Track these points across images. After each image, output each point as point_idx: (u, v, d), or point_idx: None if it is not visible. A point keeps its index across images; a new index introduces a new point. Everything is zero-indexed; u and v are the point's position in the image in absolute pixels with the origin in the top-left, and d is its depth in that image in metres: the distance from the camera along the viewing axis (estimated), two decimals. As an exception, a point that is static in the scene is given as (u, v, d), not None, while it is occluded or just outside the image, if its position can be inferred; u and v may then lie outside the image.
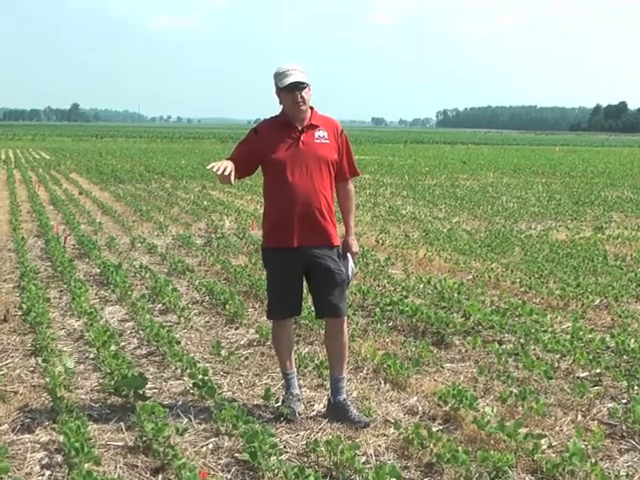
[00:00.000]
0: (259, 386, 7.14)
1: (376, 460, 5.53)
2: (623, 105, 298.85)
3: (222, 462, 5.54)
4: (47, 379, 6.92)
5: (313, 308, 6.69)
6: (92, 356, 7.95)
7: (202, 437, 5.97)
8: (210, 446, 5.81)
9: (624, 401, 6.78)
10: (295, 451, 5.73)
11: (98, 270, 12.30)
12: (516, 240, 15.81)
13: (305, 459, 5.58)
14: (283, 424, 6.19)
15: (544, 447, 5.62)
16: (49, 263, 13.03)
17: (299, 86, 6.10)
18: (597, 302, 10.30)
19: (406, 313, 9.25)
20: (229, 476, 5.32)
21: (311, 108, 6.28)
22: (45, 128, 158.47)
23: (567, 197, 25.87)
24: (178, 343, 8.12)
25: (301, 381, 7.02)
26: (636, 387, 6.96)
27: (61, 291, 10.91)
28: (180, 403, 6.70)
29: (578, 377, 7.40)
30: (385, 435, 6.01)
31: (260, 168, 6.39)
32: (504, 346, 8.19)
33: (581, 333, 8.46)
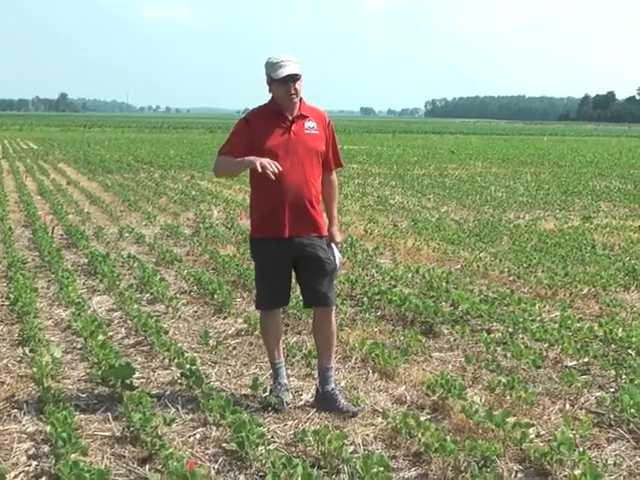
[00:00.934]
0: (247, 376, 7.12)
1: (364, 450, 5.53)
2: (611, 95, 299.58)
3: (210, 452, 5.53)
4: (34, 369, 6.90)
5: (301, 297, 6.68)
6: (79, 346, 7.92)
7: (190, 427, 5.96)
8: (197, 436, 5.79)
9: (612, 390, 6.79)
10: (283, 441, 5.72)
11: (86, 260, 12.27)
12: (504, 229, 15.82)
13: (293, 449, 5.57)
14: (271, 414, 6.18)
15: (532, 436, 5.63)
16: (37, 253, 13.00)
17: (293, 78, 6.08)
18: (585, 291, 10.31)
19: (394, 302, 9.25)
20: (216, 466, 5.30)
21: (300, 98, 6.26)
22: (33, 118, 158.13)
23: (555, 187, 25.90)
24: (166, 333, 8.10)
25: (289, 371, 7.01)
26: (624, 376, 6.96)
27: (49, 281, 10.88)
28: (168, 393, 6.68)
29: (566, 366, 7.41)
30: (373, 424, 6.01)
31: None
32: (492, 335, 8.19)
33: (569, 322, 8.47)
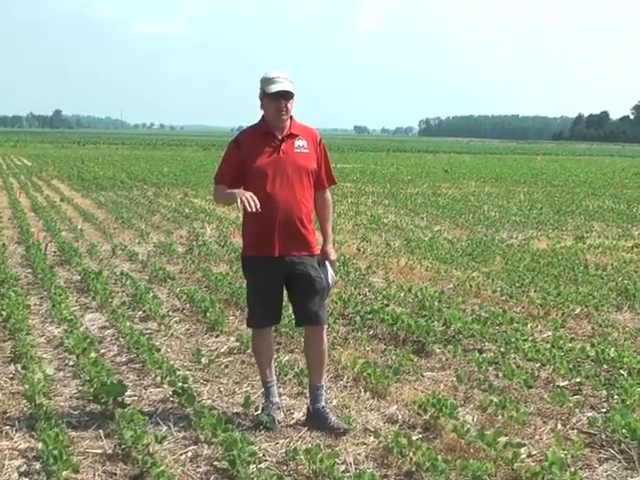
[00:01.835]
0: (239, 394, 7.12)
1: (355, 469, 5.52)
2: (605, 114, 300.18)
3: (201, 470, 5.53)
4: (26, 386, 6.89)
5: (293, 316, 6.69)
6: (72, 363, 7.92)
7: (181, 445, 5.95)
8: (189, 454, 5.79)
9: (604, 410, 6.79)
10: (274, 459, 5.72)
11: (79, 277, 12.26)
12: (497, 249, 15.84)
13: (284, 467, 5.57)
14: (262, 432, 6.18)
15: (523, 456, 5.62)
16: (29, 270, 12.98)
17: (285, 95, 6.11)
18: (577, 311, 10.33)
19: (387, 322, 9.25)
20: (208, 484, 5.30)
21: (290, 117, 6.29)
22: (27, 134, 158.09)
23: (548, 206, 25.94)
24: (158, 351, 8.10)
25: (281, 389, 7.01)
26: (616, 396, 6.97)
27: (41, 298, 10.87)
28: (160, 411, 6.68)
29: (558, 386, 7.42)
30: (365, 443, 6.01)
31: None
32: (484, 355, 8.20)
33: (561, 342, 8.48)
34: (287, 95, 6.13)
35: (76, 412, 6.62)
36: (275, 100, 6.11)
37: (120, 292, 11.41)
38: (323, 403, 6.41)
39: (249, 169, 6.18)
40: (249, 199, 5.90)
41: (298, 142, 6.28)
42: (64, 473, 5.18)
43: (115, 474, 5.44)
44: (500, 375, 7.56)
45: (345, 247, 15.35)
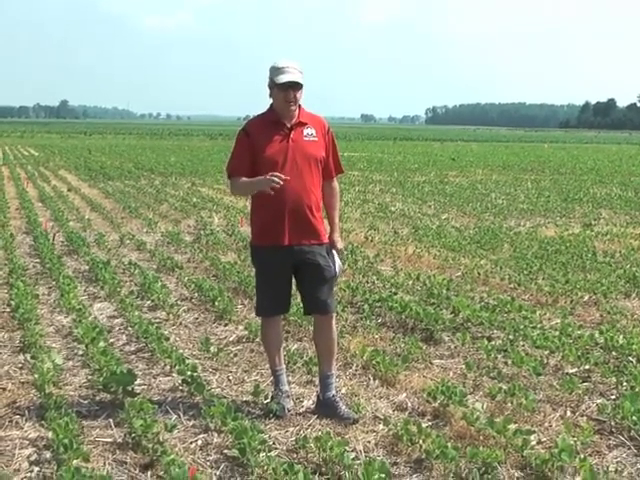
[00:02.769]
0: (248, 382, 7.13)
1: (365, 456, 5.53)
2: (612, 102, 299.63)
3: (211, 458, 5.54)
4: (36, 375, 6.91)
5: (302, 305, 6.69)
6: (81, 352, 7.93)
7: (191, 433, 5.96)
8: (199, 442, 5.80)
9: (613, 397, 6.79)
10: (284, 447, 5.73)
11: (87, 267, 12.27)
12: (505, 237, 15.82)
13: (294, 455, 5.58)
14: (272, 420, 6.18)
15: (533, 443, 5.63)
16: (38, 260, 13.00)
17: (294, 86, 6.10)
18: (586, 298, 10.32)
19: (395, 309, 9.25)
20: (218, 472, 5.31)
21: (299, 106, 6.28)
22: (34, 125, 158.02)
23: (556, 194, 25.89)
24: (167, 339, 8.11)
25: (290, 377, 7.02)
26: (625, 383, 6.97)
27: (50, 287, 10.88)
28: (169, 399, 6.69)
29: (567, 373, 7.41)
30: (374, 431, 6.02)
31: None
32: (493, 342, 8.19)
33: (570, 329, 8.47)
34: (296, 86, 6.11)
35: (86, 401, 6.63)
36: (284, 90, 6.09)
37: (128, 281, 11.42)
38: (333, 392, 6.41)
39: (258, 158, 6.17)
40: (273, 178, 5.91)
41: (307, 130, 6.27)
42: (74, 462, 5.20)
43: (125, 463, 5.45)
44: (509, 362, 7.56)
45: (353, 235, 15.35)
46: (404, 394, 6.84)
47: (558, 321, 9.07)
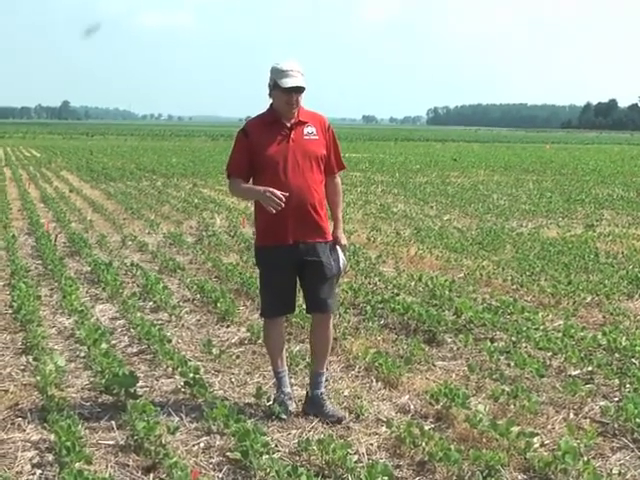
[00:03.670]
0: (250, 384, 7.13)
1: (368, 459, 5.53)
2: (613, 103, 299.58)
3: (213, 461, 5.53)
4: (38, 377, 6.90)
5: (304, 304, 6.66)
6: (83, 354, 7.93)
7: (193, 436, 5.96)
8: (202, 445, 5.80)
9: (616, 399, 6.78)
10: (287, 450, 5.72)
11: (89, 268, 12.27)
12: (507, 238, 15.81)
13: (297, 458, 5.57)
14: (275, 423, 6.18)
15: (536, 445, 5.62)
16: (40, 261, 13.00)
17: (297, 90, 6.10)
18: (589, 300, 10.30)
19: (397, 311, 9.25)
20: (220, 475, 5.31)
21: None
22: (36, 126, 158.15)
23: (558, 195, 25.89)
24: (169, 341, 8.10)
25: (292, 379, 7.00)
26: (628, 385, 6.97)
27: (52, 289, 10.88)
28: (171, 402, 6.68)
29: (570, 375, 7.40)
30: (377, 434, 6.01)
31: None
32: (496, 344, 8.18)
33: (573, 331, 8.46)
34: (299, 90, 6.12)
35: (88, 403, 6.62)
36: (287, 94, 6.09)
37: (130, 283, 11.41)
38: (322, 390, 6.43)
39: (259, 158, 6.17)
40: (274, 199, 5.92)
41: (307, 129, 6.27)
42: (77, 464, 5.19)
43: (128, 465, 5.44)
44: (512, 364, 7.55)
45: (355, 236, 15.35)
46: (407, 396, 6.83)
47: (561, 322, 9.06)
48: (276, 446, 5.74)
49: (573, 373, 7.48)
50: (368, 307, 9.49)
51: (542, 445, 5.76)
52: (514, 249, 14.39)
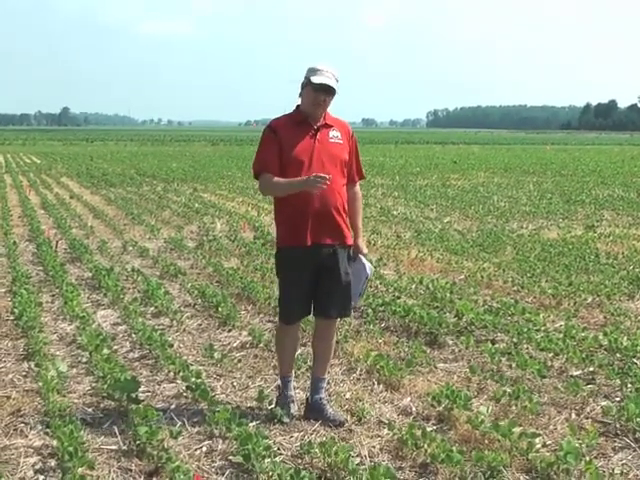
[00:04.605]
0: (252, 388, 7.12)
1: (370, 461, 5.53)
2: (613, 103, 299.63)
3: (216, 465, 5.53)
4: (40, 383, 6.92)
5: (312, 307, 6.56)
6: (85, 360, 7.93)
7: (196, 440, 5.96)
8: (204, 449, 5.80)
9: (617, 399, 6.79)
10: (289, 453, 5.72)
11: (90, 274, 12.27)
12: (508, 239, 15.82)
13: (299, 461, 5.57)
14: (277, 426, 6.18)
15: (538, 446, 5.62)
16: (41, 267, 13.00)
17: (327, 90, 6.07)
18: (589, 300, 10.31)
19: (399, 314, 9.25)
20: (223, 479, 5.31)
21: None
22: (35, 132, 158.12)
23: (558, 196, 25.89)
24: (171, 346, 8.10)
25: (295, 383, 6.98)
26: (629, 385, 6.97)
27: (53, 295, 10.88)
28: (173, 406, 6.68)
29: (571, 376, 7.40)
30: (379, 436, 6.01)
31: None
32: (497, 345, 8.20)
33: (574, 332, 8.47)
34: (329, 91, 6.09)
35: (90, 409, 6.62)
36: (315, 91, 6.06)
37: (132, 288, 11.42)
38: (322, 395, 6.42)
39: (284, 157, 6.12)
40: (317, 179, 5.86)
41: (332, 132, 6.25)
42: (79, 470, 5.19)
43: (130, 470, 5.44)
44: (513, 365, 7.55)
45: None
46: (408, 398, 6.84)
47: (562, 323, 9.07)
48: (278, 449, 5.74)
49: (574, 373, 7.49)
50: (369, 310, 9.50)
51: (544, 446, 5.76)
52: (515, 251, 14.39)
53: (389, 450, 5.76)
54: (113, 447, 5.82)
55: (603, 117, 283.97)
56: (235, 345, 8.59)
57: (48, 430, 6.01)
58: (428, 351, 8.11)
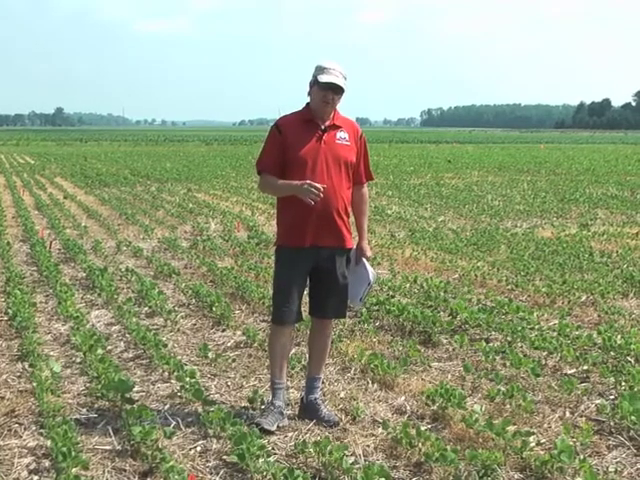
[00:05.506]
0: (246, 388, 7.12)
1: (365, 460, 5.53)
2: (607, 102, 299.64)
3: (210, 465, 5.53)
4: (34, 384, 6.91)
5: (308, 306, 6.55)
6: (79, 360, 7.92)
7: (190, 440, 5.95)
8: (198, 449, 5.79)
9: (612, 397, 6.80)
10: (284, 452, 5.72)
11: (84, 274, 12.26)
12: (502, 238, 15.83)
13: (294, 460, 5.57)
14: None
15: (532, 444, 5.62)
16: (35, 268, 12.98)
17: (335, 89, 6.05)
18: (583, 299, 10.33)
19: (393, 313, 9.25)
20: (217, 478, 5.31)
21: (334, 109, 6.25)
22: (29, 133, 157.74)
23: (552, 194, 25.93)
24: (165, 346, 8.09)
25: (288, 382, 6.98)
26: (623, 383, 6.97)
27: (47, 296, 10.87)
28: (167, 406, 6.68)
29: (565, 374, 7.41)
30: (373, 435, 6.01)
31: None
32: (491, 344, 8.20)
33: (568, 330, 8.48)
34: (337, 89, 6.06)
35: (84, 409, 6.61)
36: (323, 90, 6.03)
37: (126, 288, 11.41)
38: (317, 395, 6.40)
39: (289, 156, 6.11)
40: (310, 188, 5.86)
41: (340, 133, 6.22)
42: (73, 470, 5.18)
43: (125, 470, 5.44)
44: (507, 364, 7.56)
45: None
46: (403, 397, 6.84)
47: (556, 322, 9.08)
48: (273, 449, 5.74)
49: (569, 372, 7.50)
50: (363, 309, 9.49)
51: (538, 444, 5.75)
52: (509, 249, 14.41)
53: (383, 449, 5.76)
54: (107, 447, 5.82)
55: (597, 116, 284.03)
56: (229, 345, 8.58)
57: (42, 430, 6.01)
58: (422, 350, 8.12)
